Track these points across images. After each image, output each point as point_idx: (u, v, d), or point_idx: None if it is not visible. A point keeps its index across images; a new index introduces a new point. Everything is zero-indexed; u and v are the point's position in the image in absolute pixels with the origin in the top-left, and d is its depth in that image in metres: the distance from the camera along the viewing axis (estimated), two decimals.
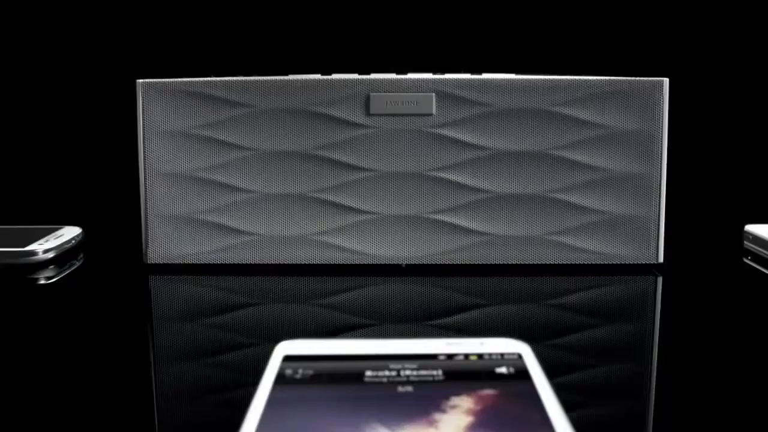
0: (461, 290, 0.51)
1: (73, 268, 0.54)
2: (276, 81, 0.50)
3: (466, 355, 0.30)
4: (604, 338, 0.44)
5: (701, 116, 0.77)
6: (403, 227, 0.51)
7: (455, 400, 0.27)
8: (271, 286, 0.51)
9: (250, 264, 0.51)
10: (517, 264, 0.52)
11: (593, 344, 0.43)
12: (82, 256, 0.57)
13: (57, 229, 0.57)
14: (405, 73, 0.55)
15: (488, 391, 0.27)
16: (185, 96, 0.50)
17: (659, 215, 0.51)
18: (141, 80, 0.50)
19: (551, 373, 0.37)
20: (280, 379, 0.29)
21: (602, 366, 0.40)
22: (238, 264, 0.52)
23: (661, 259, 0.52)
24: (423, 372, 0.29)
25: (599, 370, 0.39)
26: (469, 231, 0.51)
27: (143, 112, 0.50)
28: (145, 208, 0.51)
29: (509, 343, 0.32)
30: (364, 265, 0.52)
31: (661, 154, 0.51)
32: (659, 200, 0.51)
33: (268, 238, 0.51)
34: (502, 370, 0.29)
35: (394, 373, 0.29)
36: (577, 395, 0.35)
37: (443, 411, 0.26)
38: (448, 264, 0.52)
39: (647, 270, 0.52)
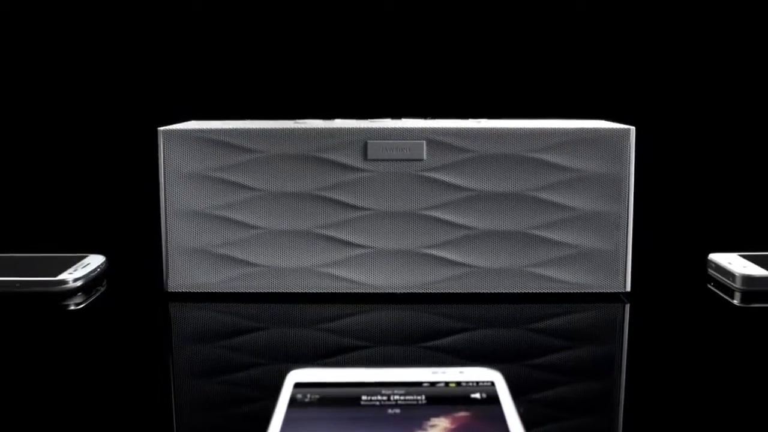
0: (449, 316, 0.56)
1: (98, 294, 0.59)
2: (284, 129, 0.55)
3: (447, 383, 0.36)
4: (577, 358, 0.50)
5: (666, 158, 0.84)
6: (397, 260, 0.57)
7: (434, 421, 0.32)
8: (278, 312, 0.57)
9: (260, 292, 0.57)
10: (498, 293, 0.57)
11: (567, 363, 0.49)
12: (105, 282, 0.62)
13: (83, 258, 0.62)
14: (399, 117, 0.62)
15: (462, 413, 0.33)
16: (201, 142, 0.55)
17: (626, 248, 0.57)
18: (161, 128, 0.56)
19: (530, 389, 0.43)
20: (293, 402, 0.34)
21: (575, 383, 0.46)
22: (249, 293, 0.57)
23: (628, 288, 0.58)
24: (409, 397, 0.34)
25: (573, 386, 0.45)
26: (456, 263, 0.57)
27: (164, 156, 0.55)
28: (166, 242, 0.56)
29: (485, 372, 0.37)
30: (363, 293, 0.57)
31: (628, 193, 0.57)
32: (626, 235, 0.57)
33: (277, 269, 0.56)
34: (476, 395, 0.35)
35: (385, 398, 0.34)
36: (552, 410, 0.41)
37: (424, 430, 0.32)
38: (438, 293, 0.57)
39: (616, 297, 0.58)
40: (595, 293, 0.57)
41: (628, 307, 0.57)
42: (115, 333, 0.53)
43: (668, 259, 0.70)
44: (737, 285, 0.60)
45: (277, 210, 0.56)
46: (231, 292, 0.57)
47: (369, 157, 0.55)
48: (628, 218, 0.57)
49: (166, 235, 0.56)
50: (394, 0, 0.85)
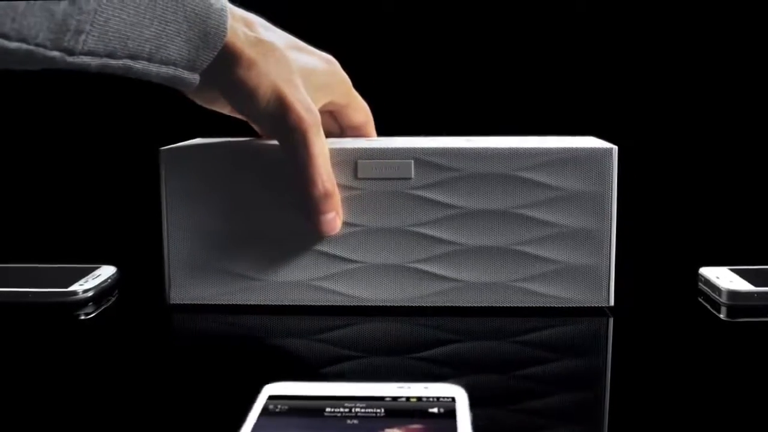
0: (437, 328, 0.59)
1: (108, 304, 0.63)
2: (277, 147, 0.57)
3: (408, 398, 0.38)
4: (562, 369, 0.52)
5: (662, 171, 0.85)
6: (387, 274, 0.59)
7: (388, 431, 0.35)
8: (273, 323, 0.60)
9: (257, 305, 0.60)
10: (484, 306, 0.59)
11: (552, 374, 0.51)
12: (117, 292, 0.66)
13: (95, 269, 0.66)
14: (389, 135, 0.64)
15: (416, 426, 0.35)
16: (200, 160, 0.58)
17: (609, 263, 0.59)
18: (162, 148, 0.59)
19: (515, 399, 0.45)
20: (264, 412, 0.37)
21: (559, 393, 0.48)
22: (246, 305, 0.60)
23: (612, 302, 0.59)
24: (369, 410, 0.37)
25: (557, 397, 0.47)
26: (444, 278, 0.59)
27: (165, 174, 0.59)
28: (168, 256, 0.59)
29: (448, 388, 0.39)
30: (355, 306, 0.59)
31: (611, 210, 0.59)
32: (609, 251, 0.59)
33: (272, 282, 0.59)
34: (434, 410, 0.37)
35: (347, 410, 0.37)
36: (538, 418, 0.43)
37: None
38: (426, 306, 0.60)
39: (600, 311, 0.59)
40: (580, 307, 0.59)
41: (611, 320, 0.59)
42: (119, 342, 0.56)
43: (660, 274, 0.72)
44: (723, 300, 0.61)
45: (273, 227, 0.58)
46: (229, 305, 0.60)
47: (359, 176, 0.58)
48: (611, 234, 0.59)
49: (168, 250, 0.59)
50: (382, 16, 0.88)
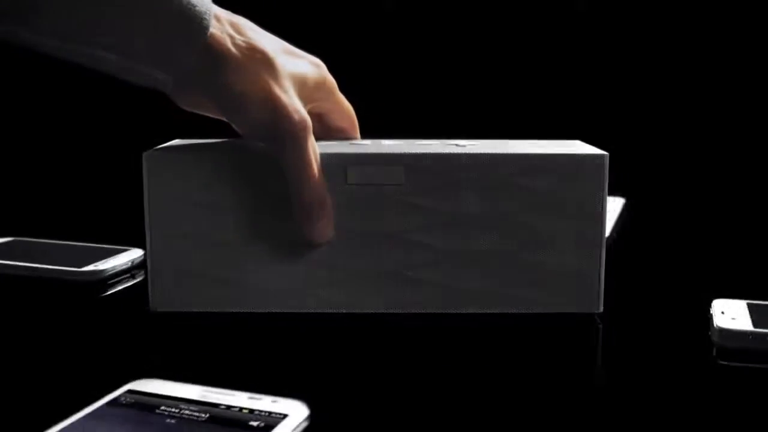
0: (429, 332, 0.58)
1: (125, 287, 0.68)
2: (268, 156, 0.56)
3: (241, 408, 0.40)
4: (552, 368, 0.53)
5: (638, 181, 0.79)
6: (378, 281, 0.59)
7: None
8: (262, 330, 0.58)
9: (243, 312, 0.59)
10: (474, 312, 0.59)
11: (541, 373, 0.52)
12: (139, 275, 0.71)
13: (123, 251, 0.72)
14: (372, 137, 0.64)
15: None
16: (184, 165, 0.58)
17: (600, 270, 0.58)
18: (145, 152, 0.59)
19: (510, 403, 0.47)
20: (111, 402, 0.40)
21: (550, 392, 0.49)
22: (232, 312, 0.59)
23: (601, 308, 0.58)
24: (195, 413, 0.39)
25: (547, 395, 0.49)
26: (433, 283, 0.58)
27: (148, 179, 0.58)
28: (151, 262, 0.59)
29: (291, 405, 0.40)
30: (345, 313, 0.59)
31: (602, 216, 0.58)
32: (600, 257, 0.58)
33: (258, 289, 0.59)
34: (254, 423, 0.38)
35: (175, 411, 0.39)
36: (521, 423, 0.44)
37: None
38: (416, 312, 0.59)
39: (590, 316, 0.59)
40: (570, 313, 0.59)
41: (600, 326, 0.58)
42: (129, 323, 0.61)
43: (639, 281, 0.69)
44: (714, 338, 0.55)
45: (261, 232, 0.59)
46: (215, 312, 0.60)
47: (349, 181, 0.58)
48: (601, 241, 0.57)
49: (151, 256, 0.59)
50: (366, 19, 0.88)
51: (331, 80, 0.62)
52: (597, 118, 0.91)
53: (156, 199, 0.59)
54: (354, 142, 0.64)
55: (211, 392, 0.42)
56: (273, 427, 0.38)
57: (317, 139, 0.58)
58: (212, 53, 0.53)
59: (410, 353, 0.55)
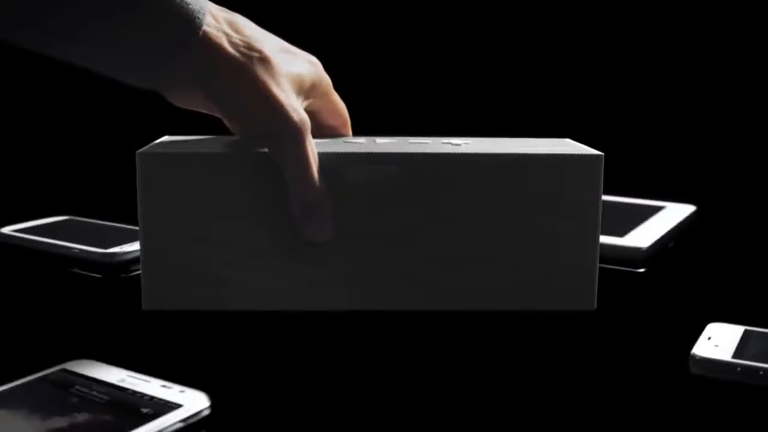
0: (429, 330, 0.59)
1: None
2: (263, 153, 0.56)
3: (143, 394, 0.42)
4: (548, 363, 0.55)
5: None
6: (374, 279, 0.58)
7: (78, 416, 0.39)
8: (258, 327, 0.60)
9: (240, 311, 0.58)
10: (469, 310, 0.58)
11: (538, 367, 0.54)
12: None
13: None
14: (373, 135, 0.64)
15: (85, 416, 0.40)
16: (179, 165, 0.57)
17: (594, 268, 0.57)
18: (138, 151, 0.58)
19: (494, 401, 0.49)
20: (43, 377, 0.44)
21: (547, 384, 0.51)
22: (227, 311, 0.58)
23: (594, 306, 0.58)
24: (99, 395, 0.42)
25: (537, 397, 0.50)
26: (429, 282, 0.58)
27: (142, 178, 0.57)
28: (144, 261, 0.58)
29: (192, 396, 0.42)
30: (340, 311, 0.58)
31: (597, 216, 0.57)
32: (594, 255, 0.57)
33: (256, 288, 0.58)
34: (146, 410, 0.41)
35: (84, 390, 0.42)
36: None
37: (64, 417, 0.39)
38: (414, 310, 0.58)
39: (585, 314, 0.58)
40: (565, 311, 0.58)
41: (594, 323, 0.58)
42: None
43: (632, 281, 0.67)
44: (690, 366, 0.51)
45: (261, 231, 0.58)
46: (210, 311, 0.59)
47: (347, 181, 0.57)
48: (596, 239, 0.57)
49: (145, 255, 0.58)
50: (358, 17, 0.87)
51: (326, 79, 0.62)
52: (587, 117, 0.90)
53: (150, 199, 0.58)
54: (348, 140, 0.64)
55: (131, 377, 0.44)
56: (161, 415, 0.40)
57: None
58: (207, 52, 0.53)
59: (409, 351, 0.56)
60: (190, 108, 0.60)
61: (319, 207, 0.56)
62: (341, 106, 0.64)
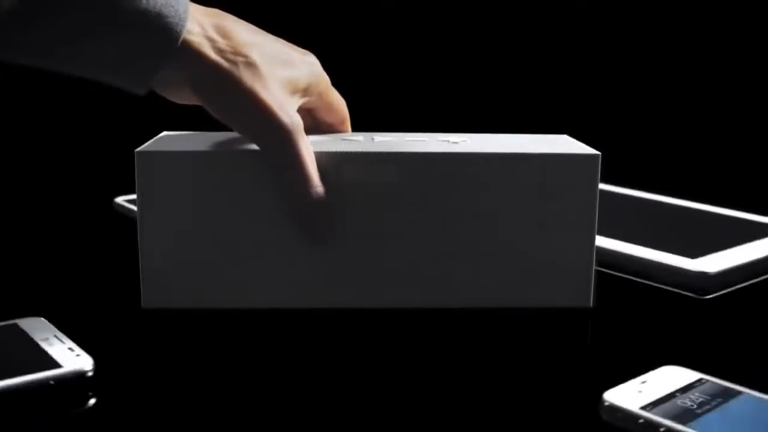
0: (427, 326, 0.59)
1: None
2: (260, 153, 0.57)
3: (42, 351, 0.49)
4: (544, 357, 0.55)
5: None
6: (371, 277, 0.60)
7: None
8: (253, 325, 0.59)
9: (237, 308, 0.60)
10: (466, 306, 0.60)
11: (535, 360, 0.55)
12: None
13: None
14: (370, 131, 0.65)
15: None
16: (178, 163, 0.59)
17: (591, 265, 0.59)
18: (138, 149, 0.60)
19: (491, 397, 0.50)
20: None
21: (543, 378, 0.52)
22: (225, 309, 0.60)
23: (591, 303, 0.59)
24: (17, 345, 0.50)
25: (535, 392, 0.51)
26: (427, 279, 0.60)
27: (143, 179, 0.59)
28: (143, 260, 0.61)
29: (78, 360, 0.48)
30: (337, 309, 0.59)
31: (594, 215, 0.58)
32: (591, 253, 0.59)
33: (255, 287, 0.60)
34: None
35: (11, 341, 0.50)
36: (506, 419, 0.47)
37: None
38: (413, 308, 0.60)
39: (582, 311, 0.59)
40: (563, 307, 0.59)
41: (590, 320, 0.59)
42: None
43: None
44: (601, 412, 0.46)
45: (254, 229, 0.59)
46: (207, 309, 0.61)
47: (343, 179, 0.58)
48: (593, 236, 0.59)
49: (143, 255, 0.60)
50: (355, 15, 0.83)
51: (324, 77, 0.61)
52: (586, 114, 0.87)
53: (149, 197, 0.58)
54: (346, 137, 0.64)
55: (56, 337, 0.51)
56: (45, 370, 0.46)
57: (308, 133, 0.58)
58: (189, 60, 0.52)
59: (407, 349, 0.56)
60: (187, 103, 0.60)
61: (317, 207, 0.56)
62: (340, 103, 0.64)
